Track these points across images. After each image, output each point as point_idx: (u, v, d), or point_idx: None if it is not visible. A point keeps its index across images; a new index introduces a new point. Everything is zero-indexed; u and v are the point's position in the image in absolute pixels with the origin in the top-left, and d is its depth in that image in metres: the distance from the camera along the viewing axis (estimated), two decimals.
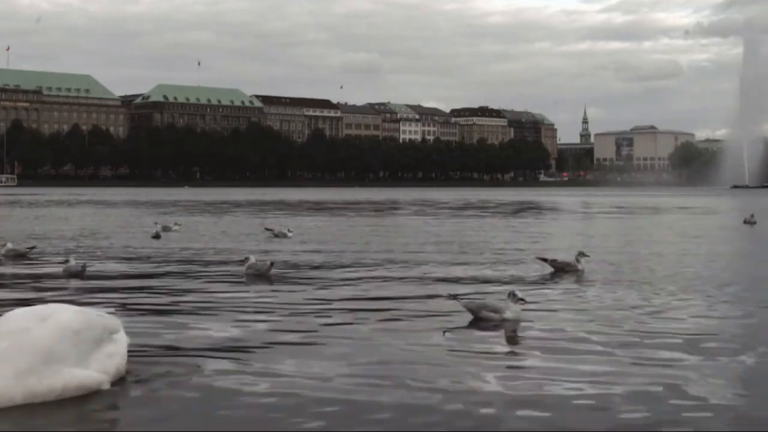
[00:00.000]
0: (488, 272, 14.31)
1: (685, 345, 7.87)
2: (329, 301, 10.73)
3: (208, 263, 16.04)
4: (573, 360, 7.22)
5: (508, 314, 8.79)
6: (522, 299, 9.00)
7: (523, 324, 8.84)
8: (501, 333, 8.52)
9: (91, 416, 5.58)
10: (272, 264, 13.48)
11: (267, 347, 7.69)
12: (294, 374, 6.62)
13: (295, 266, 15.22)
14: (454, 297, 9.39)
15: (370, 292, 11.82)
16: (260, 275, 13.15)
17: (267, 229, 22.81)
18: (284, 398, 5.95)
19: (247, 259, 13.66)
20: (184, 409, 5.66)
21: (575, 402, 5.93)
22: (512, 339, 8.31)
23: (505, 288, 12.26)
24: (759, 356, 7.47)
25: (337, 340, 8.02)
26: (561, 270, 13.60)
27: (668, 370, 6.85)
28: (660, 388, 6.25)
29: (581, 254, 13.80)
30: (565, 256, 14.71)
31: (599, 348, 7.73)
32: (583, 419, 5.55)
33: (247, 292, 11.80)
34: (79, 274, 13.44)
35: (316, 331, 8.51)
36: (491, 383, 6.43)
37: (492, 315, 8.84)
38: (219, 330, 8.53)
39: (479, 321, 8.90)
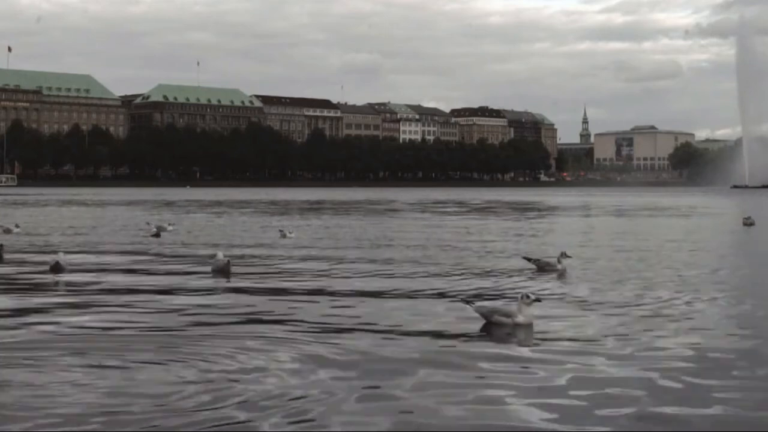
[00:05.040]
0: (474, 270, 14.59)
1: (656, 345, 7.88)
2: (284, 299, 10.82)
3: (184, 262, 16.09)
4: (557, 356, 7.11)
5: (520, 318, 8.59)
6: (537, 300, 8.80)
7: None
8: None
9: None
10: (229, 262, 13.82)
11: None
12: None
13: (268, 265, 15.48)
14: (467, 302, 9.23)
15: (334, 292, 11.70)
16: (220, 271, 13.60)
17: (280, 231, 23.76)
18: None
19: (215, 255, 14.08)
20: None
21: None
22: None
23: (487, 285, 12.20)
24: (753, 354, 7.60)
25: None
26: (543, 269, 14.09)
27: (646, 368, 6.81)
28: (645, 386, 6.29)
29: (563, 255, 14.25)
30: (548, 256, 15.19)
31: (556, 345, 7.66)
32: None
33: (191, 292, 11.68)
34: (57, 267, 13.77)
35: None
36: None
37: (504, 320, 8.64)
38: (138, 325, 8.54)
39: (491, 326, 8.68)
